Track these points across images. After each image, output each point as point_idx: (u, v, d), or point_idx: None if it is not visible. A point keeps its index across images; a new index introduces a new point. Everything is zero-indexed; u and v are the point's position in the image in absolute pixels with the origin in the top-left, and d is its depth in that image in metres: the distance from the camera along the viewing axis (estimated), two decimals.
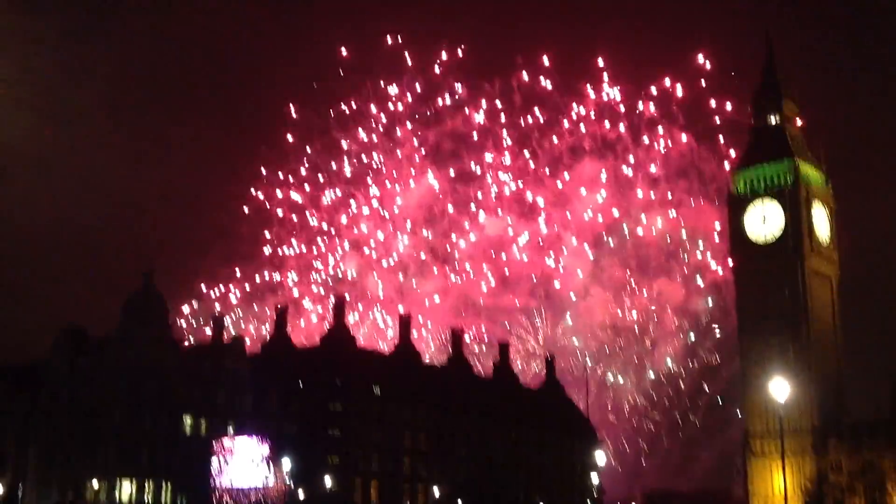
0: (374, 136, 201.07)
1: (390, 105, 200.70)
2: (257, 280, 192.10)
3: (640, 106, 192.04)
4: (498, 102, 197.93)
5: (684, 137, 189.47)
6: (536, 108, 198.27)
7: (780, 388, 44.08)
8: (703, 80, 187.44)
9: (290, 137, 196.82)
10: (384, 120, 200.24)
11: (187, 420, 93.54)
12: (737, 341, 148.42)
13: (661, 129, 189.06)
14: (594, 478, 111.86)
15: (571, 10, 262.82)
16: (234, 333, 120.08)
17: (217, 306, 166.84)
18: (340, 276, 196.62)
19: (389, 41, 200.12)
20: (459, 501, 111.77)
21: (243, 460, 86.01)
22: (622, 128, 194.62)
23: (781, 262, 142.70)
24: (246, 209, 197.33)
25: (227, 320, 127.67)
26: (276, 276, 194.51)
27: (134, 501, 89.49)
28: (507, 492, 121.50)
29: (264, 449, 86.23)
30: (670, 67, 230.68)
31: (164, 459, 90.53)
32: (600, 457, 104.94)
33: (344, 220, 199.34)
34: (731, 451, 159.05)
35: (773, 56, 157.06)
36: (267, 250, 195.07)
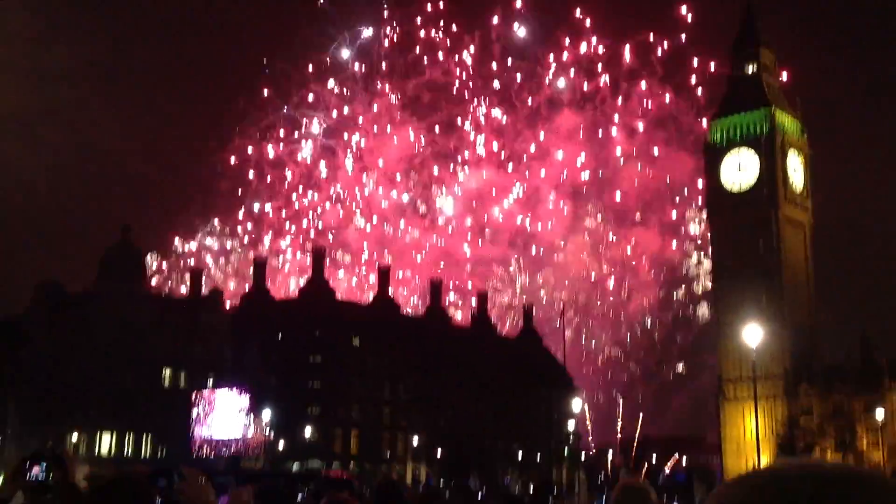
0: (351, 89, 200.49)
1: (367, 57, 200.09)
2: (239, 232, 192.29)
3: (621, 57, 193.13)
4: (469, 54, 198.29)
5: (666, 96, 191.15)
6: (514, 60, 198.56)
7: (753, 334, 45.15)
8: (683, 35, 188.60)
9: (265, 92, 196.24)
10: (362, 71, 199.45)
11: (166, 373, 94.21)
12: (710, 290, 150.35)
13: (643, 85, 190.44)
14: (571, 425, 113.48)
15: None
16: (212, 287, 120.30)
17: (192, 261, 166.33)
18: (321, 228, 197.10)
19: None
20: (439, 450, 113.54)
21: (223, 412, 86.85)
22: (602, 81, 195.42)
23: (756, 210, 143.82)
24: (224, 163, 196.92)
25: (205, 274, 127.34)
26: (254, 230, 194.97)
27: (114, 454, 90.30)
28: (486, 440, 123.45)
29: (244, 400, 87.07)
30: (651, 20, 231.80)
31: (143, 412, 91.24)
32: (577, 405, 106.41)
33: (323, 173, 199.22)
34: (705, 398, 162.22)
35: (751, 5, 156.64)
36: (246, 206, 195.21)
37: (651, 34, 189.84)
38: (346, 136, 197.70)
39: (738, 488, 1.25)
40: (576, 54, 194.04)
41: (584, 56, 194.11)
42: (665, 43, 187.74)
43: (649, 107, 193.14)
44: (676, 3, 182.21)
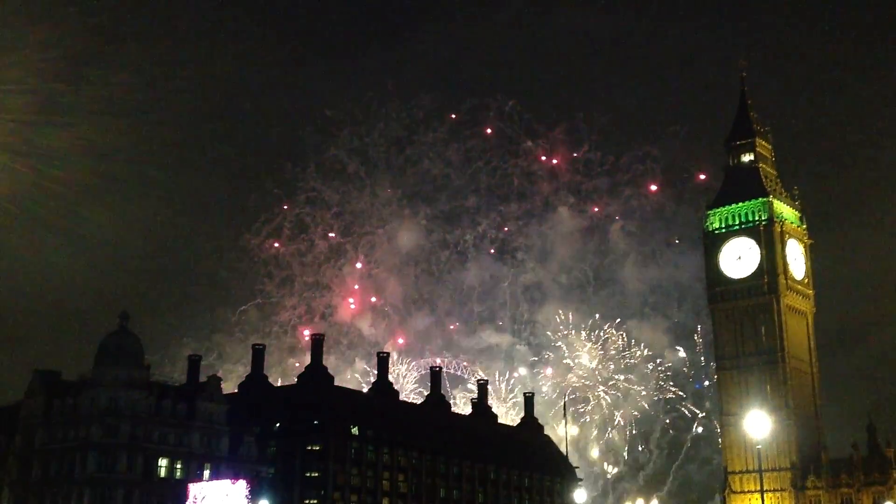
0: (355, 187, 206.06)
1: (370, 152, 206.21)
2: (239, 320, 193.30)
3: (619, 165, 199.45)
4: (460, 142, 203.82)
5: (657, 189, 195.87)
6: (515, 157, 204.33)
7: (757, 423, 44.20)
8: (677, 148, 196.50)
9: (275, 190, 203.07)
10: (364, 171, 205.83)
11: (162, 463, 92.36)
12: (713, 383, 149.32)
13: (636, 186, 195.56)
14: None
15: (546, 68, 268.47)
16: (211, 374, 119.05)
17: (192, 349, 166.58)
18: (324, 317, 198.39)
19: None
20: None
21: (219, 503, 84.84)
22: (600, 182, 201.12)
23: (757, 298, 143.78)
24: (229, 258, 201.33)
25: (203, 361, 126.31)
26: (258, 317, 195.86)
27: None
28: None
29: (241, 491, 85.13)
30: (649, 135, 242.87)
31: (138, 502, 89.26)
32: (580, 495, 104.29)
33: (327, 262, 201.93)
34: (712, 490, 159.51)
35: (745, 97, 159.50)
36: (251, 296, 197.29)
37: (647, 148, 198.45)
38: (347, 229, 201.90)
39: None
40: (575, 159, 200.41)
41: (584, 159, 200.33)
42: (660, 156, 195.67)
43: (646, 205, 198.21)
44: (671, 122, 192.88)
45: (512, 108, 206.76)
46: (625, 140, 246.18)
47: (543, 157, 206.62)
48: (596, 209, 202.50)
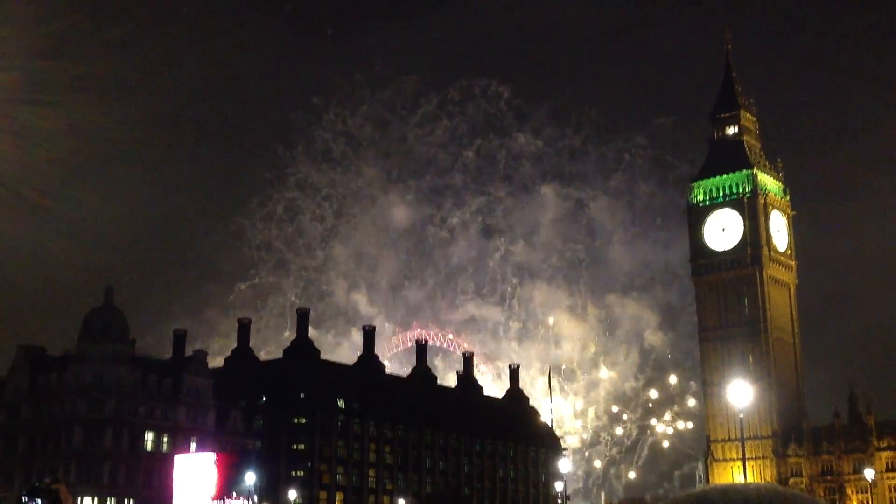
0: (343, 168, 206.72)
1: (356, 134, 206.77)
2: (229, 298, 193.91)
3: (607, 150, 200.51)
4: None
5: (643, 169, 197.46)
6: (501, 138, 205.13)
7: (740, 392, 44.86)
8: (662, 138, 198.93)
9: (267, 175, 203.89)
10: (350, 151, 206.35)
11: (149, 437, 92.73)
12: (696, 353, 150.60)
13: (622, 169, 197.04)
14: (559, 486, 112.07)
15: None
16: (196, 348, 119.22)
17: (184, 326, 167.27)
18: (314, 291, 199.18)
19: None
20: None
21: (205, 476, 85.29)
22: (588, 163, 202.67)
23: (740, 269, 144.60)
24: (219, 238, 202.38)
25: (196, 340, 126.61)
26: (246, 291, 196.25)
27: None
28: (472, 502, 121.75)
29: (227, 464, 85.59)
30: (636, 121, 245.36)
31: (125, 477, 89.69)
32: (565, 465, 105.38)
33: (318, 239, 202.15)
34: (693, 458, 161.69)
35: (730, 68, 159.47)
36: (244, 276, 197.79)
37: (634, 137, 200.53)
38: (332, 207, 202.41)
39: None
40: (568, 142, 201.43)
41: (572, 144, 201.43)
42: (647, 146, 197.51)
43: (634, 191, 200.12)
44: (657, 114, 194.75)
45: (497, 90, 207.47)
46: (611, 124, 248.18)
47: (529, 138, 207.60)
48: (581, 189, 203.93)
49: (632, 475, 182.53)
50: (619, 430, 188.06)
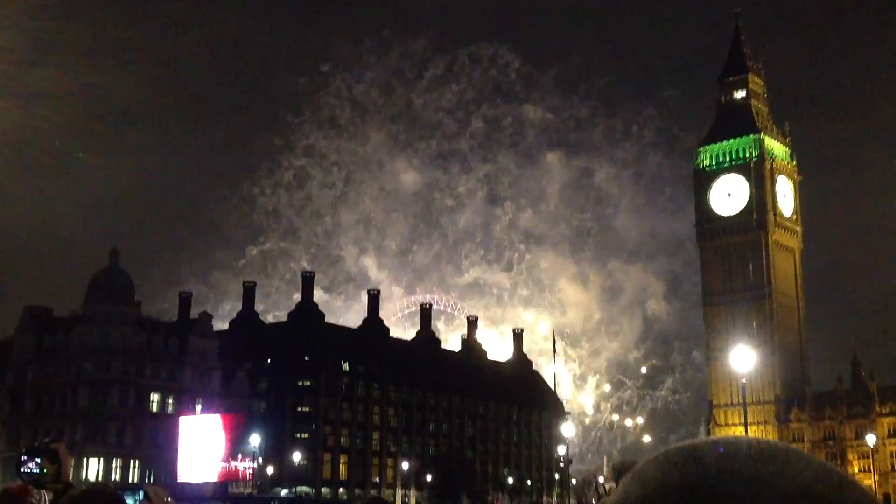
0: (348, 133, 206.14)
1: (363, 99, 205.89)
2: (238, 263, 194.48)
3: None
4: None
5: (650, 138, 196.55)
6: (509, 104, 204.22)
7: (743, 358, 44.82)
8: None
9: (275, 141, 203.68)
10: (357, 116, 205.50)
11: (154, 398, 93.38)
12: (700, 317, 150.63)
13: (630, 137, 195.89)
14: (561, 450, 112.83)
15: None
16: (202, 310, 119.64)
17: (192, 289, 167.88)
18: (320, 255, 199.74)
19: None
20: (429, 476, 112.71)
21: (211, 437, 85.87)
22: (595, 133, 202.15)
23: (746, 234, 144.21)
24: (229, 204, 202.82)
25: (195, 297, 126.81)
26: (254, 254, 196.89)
27: (101, 479, 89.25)
28: (476, 465, 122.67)
29: (232, 425, 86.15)
30: (644, 97, 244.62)
31: (131, 437, 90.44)
32: (567, 429, 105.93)
33: (326, 206, 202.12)
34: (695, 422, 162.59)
35: (739, 32, 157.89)
36: (253, 241, 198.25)
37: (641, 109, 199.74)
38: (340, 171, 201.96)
39: (655, 463, 1.28)
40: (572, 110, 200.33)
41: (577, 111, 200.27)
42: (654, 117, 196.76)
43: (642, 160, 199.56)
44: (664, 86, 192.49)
45: (506, 58, 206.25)
46: (620, 93, 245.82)
47: (536, 104, 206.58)
48: (588, 159, 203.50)
49: (631, 441, 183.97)
50: (620, 397, 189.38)
